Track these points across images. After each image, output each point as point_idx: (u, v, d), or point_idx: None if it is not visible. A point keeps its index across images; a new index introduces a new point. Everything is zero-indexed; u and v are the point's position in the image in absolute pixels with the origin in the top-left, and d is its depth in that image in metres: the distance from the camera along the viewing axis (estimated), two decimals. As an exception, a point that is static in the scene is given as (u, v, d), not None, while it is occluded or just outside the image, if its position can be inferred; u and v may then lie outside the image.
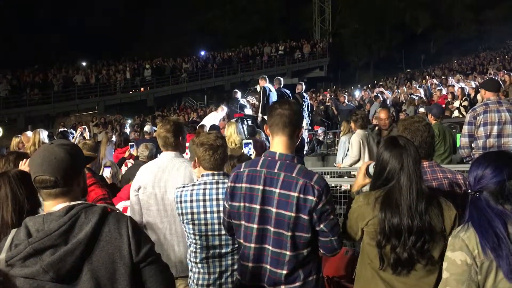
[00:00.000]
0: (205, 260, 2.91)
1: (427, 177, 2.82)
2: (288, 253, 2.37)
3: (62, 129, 11.60)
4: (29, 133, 6.72)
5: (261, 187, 2.42)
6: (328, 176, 7.21)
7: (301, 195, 2.33)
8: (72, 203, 1.83)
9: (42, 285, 1.68)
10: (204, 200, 2.91)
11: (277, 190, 2.38)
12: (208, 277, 2.90)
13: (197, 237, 2.91)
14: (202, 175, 3.00)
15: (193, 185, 2.99)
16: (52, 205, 1.84)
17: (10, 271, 1.68)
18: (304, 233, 2.36)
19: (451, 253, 2.02)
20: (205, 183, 2.96)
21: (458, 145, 7.03)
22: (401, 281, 2.34)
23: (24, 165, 2.90)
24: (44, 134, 6.48)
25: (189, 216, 2.91)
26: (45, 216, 1.78)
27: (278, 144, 2.50)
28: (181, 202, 2.95)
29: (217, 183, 2.94)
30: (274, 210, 2.37)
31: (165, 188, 3.46)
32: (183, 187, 3.03)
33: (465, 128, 5.39)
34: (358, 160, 6.89)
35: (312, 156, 11.88)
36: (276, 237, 2.38)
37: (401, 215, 2.29)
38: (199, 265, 2.92)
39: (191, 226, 2.92)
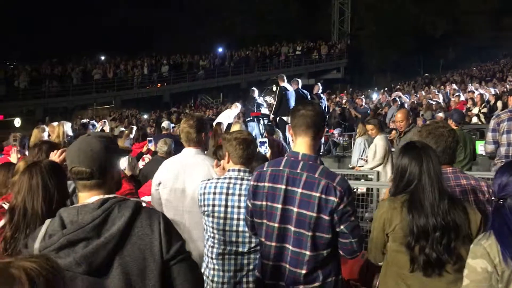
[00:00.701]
0: (221, 256, 2.92)
1: (450, 183, 2.80)
2: (308, 253, 2.38)
3: (84, 121, 11.76)
4: (55, 124, 6.82)
5: (283, 187, 2.44)
6: (344, 178, 7.19)
7: (323, 196, 2.34)
8: (106, 196, 1.84)
9: (74, 277, 1.68)
10: (227, 194, 2.93)
11: (299, 190, 2.40)
12: (222, 274, 2.91)
13: (215, 231, 2.93)
14: (229, 170, 3.04)
15: (218, 178, 3.04)
16: (86, 197, 1.85)
17: None
18: (324, 233, 2.37)
19: (472, 260, 2.02)
20: (230, 178, 2.99)
21: (477, 152, 6.97)
22: (429, 287, 2.34)
23: (55, 156, 2.94)
24: (67, 126, 6.58)
25: (210, 208, 2.94)
26: (79, 208, 1.80)
27: (301, 144, 2.52)
28: (204, 194, 2.99)
29: (242, 179, 2.96)
30: (295, 209, 2.39)
31: (185, 184, 3.48)
32: (208, 180, 3.07)
33: (489, 135, 5.32)
34: (381, 164, 6.83)
35: (328, 157, 11.83)
36: (297, 236, 2.40)
37: (426, 214, 2.32)
38: (215, 261, 2.94)
39: (210, 219, 2.94)
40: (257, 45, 35.73)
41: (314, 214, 2.34)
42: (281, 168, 2.49)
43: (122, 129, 11.61)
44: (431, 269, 2.32)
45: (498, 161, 5.20)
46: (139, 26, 38.11)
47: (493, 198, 2.13)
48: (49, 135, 6.89)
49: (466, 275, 2.04)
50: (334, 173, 2.44)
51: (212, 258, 2.95)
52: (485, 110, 12.87)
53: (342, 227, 2.37)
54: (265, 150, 6.16)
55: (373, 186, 6.36)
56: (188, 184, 3.47)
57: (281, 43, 36.49)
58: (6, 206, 2.53)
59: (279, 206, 2.43)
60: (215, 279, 2.92)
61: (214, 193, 2.96)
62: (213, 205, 2.94)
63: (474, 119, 12.78)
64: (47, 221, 1.79)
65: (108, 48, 34.57)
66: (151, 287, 1.74)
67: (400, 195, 2.45)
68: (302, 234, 2.38)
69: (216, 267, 2.93)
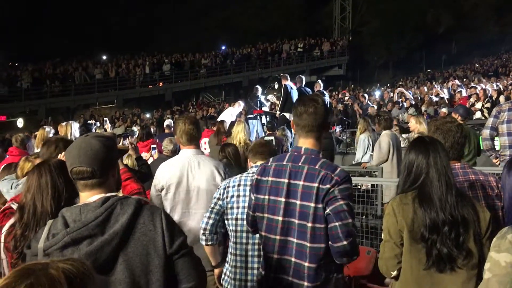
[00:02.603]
0: (245, 252, 2.93)
1: (459, 178, 2.78)
2: (308, 244, 2.37)
3: (90, 122, 11.83)
4: (64, 124, 6.85)
5: (286, 181, 2.46)
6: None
7: (320, 185, 2.34)
8: (108, 194, 1.86)
9: None
10: (251, 185, 2.96)
11: (301, 183, 2.41)
12: (245, 271, 2.91)
13: (239, 221, 2.95)
14: (251, 167, 3.23)
15: (242, 174, 3.15)
16: (88, 196, 1.87)
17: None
18: (322, 224, 2.35)
19: (496, 254, 1.95)
20: (253, 172, 3.01)
21: (482, 147, 6.96)
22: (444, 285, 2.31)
23: (63, 156, 2.93)
24: (75, 127, 6.61)
25: (235, 199, 3.00)
26: (81, 207, 1.81)
27: (303, 142, 2.55)
28: (229, 187, 3.07)
29: None
30: (298, 202, 2.40)
31: (189, 187, 3.47)
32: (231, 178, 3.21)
33: (490, 120, 5.42)
34: (386, 160, 6.79)
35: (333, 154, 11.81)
36: (300, 229, 2.39)
37: (436, 208, 2.30)
38: (238, 258, 2.94)
39: (235, 211, 2.98)
40: (258, 42, 35.66)
41: (313, 205, 2.34)
42: (284, 163, 2.51)
43: (134, 129, 11.54)
44: (443, 264, 2.28)
45: (502, 153, 5.24)
46: (140, 25, 38.06)
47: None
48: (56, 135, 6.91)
49: (489, 269, 1.97)
50: (336, 166, 2.43)
51: (235, 255, 2.96)
52: (488, 105, 12.83)
53: (328, 210, 2.32)
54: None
55: (378, 182, 6.35)
56: (192, 185, 3.46)
57: (282, 40, 36.42)
58: (14, 206, 2.55)
59: (283, 199, 2.44)
60: (237, 276, 2.93)
61: (239, 185, 3.04)
62: (238, 196, 3.00)
63: (477, 114, 12.74)
64: (49, 222, 1.81)
65: (110, 48, 34.55)
66: (155, 282, 1.76)
67: (410, 192, 2.42)
68: (305, 226, 2.37)
69: (239, 264, 2.94)
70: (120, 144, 8.61)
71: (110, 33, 36.92)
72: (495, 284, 1.92)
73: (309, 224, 2.35)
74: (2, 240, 2.46)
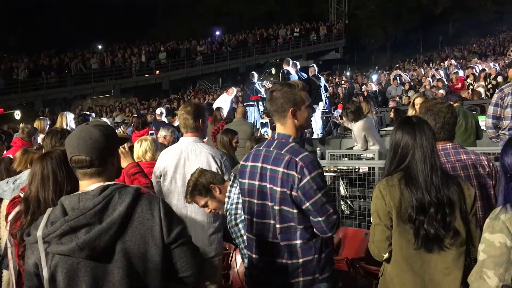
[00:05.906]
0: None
1: (450, 158, 2.81)
2: (278, 225, 2.45)
3: (87, 113, 11.89)
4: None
5: (260, 164, 2.55)
6: (346, 158, 7.19)
7: (285, 170, 2.41)
8: (107, 183, 1.87)
9: (77, 262, 1.72)
10: None
11: (269, 166, 2.50)
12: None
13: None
14: None
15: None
16: (87, 185, 1.88)
17: (47, 248, 1.73)
18: (290, 208, 2.42)
19: (490, 235, 1.95)
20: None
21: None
22: (434, 264, 2.34)
23: None
24: (70, 117, 6.61)
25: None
26: (80, 195, 1.82)
27: (278, 127, 2.63)
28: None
29: None
30: (268, 185, 2.49)
31: (185, 174, 3.47)
32: None
33: (491, 108, 5.30)
34: (366, 149, 6.93)
35: (331, 139, 11.81)
36: (271, 210, 2.48)
37: (421, 189, 2.31)
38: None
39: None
40: (255, 28, 35.40)
41: (279, 189, 2.42)
42: (261, 148, 2.62)
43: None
44: (431, 244, 2.30)
45: (502, 134, 5.20)
46: (134, 14, 37.74)
47: (508, 174, 2.02)
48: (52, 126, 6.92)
49: (483, 250, 1.96)
50: (301, 151, 2.46)
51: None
52: (490, 85, 12.84)
53: (307, 204, 2.36)
54: (266, 131, 6.18)
55: (375, 165, 6.36)
56: (189, 172, 3.46)
57: (278, 25, 36.17)
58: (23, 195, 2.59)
59: (257, 183, 2.54)
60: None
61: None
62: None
63: (481, 93, 12.67)
64: (49, 210, 1.82)
65: (104, 37, 34.29)
66: (152, 271, 1.78)
67: (396, 174, 2.42)
68: (273, 208, 2.46)
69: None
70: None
71: (104, 22, 36.58)
72: (490, 265, 1.92)
73: (276, 207, 2.44)
74: (8, 227, 2.53)
